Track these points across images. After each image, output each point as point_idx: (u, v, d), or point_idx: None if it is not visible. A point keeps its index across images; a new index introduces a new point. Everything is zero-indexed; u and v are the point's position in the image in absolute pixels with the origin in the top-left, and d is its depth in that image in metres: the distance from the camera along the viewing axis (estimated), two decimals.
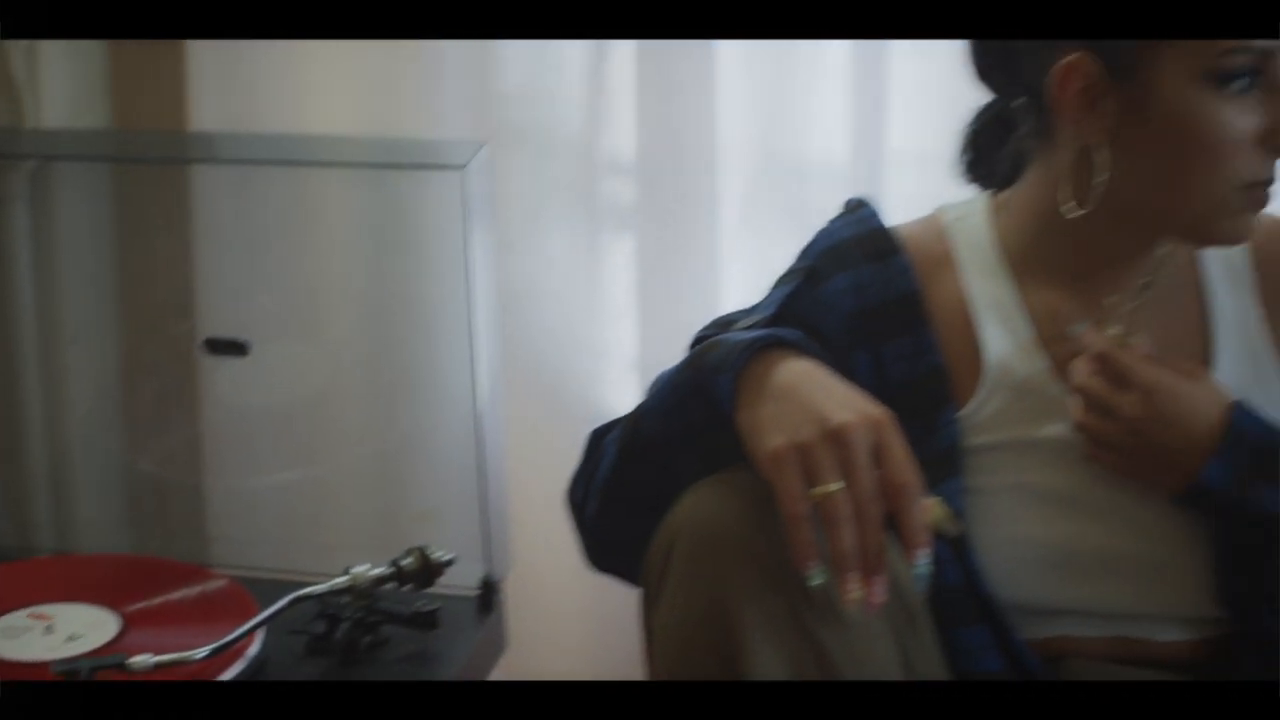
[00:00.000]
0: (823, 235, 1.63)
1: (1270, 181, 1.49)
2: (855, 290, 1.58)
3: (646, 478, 1.49)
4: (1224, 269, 1.61)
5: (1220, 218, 1.50)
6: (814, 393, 1.35)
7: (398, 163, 1.99)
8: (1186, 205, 1.50)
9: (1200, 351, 1.59)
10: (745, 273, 2.19)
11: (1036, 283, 1.59)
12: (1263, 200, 1.50)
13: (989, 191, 1.66)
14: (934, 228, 1.64)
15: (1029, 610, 1.52)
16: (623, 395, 2.21)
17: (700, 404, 1.42)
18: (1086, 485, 1.53)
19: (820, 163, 2.19)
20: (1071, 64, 1.49)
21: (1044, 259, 1.58)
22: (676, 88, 2.16)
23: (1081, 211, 1.51)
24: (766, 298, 1.62)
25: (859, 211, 1.65)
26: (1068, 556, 1.52)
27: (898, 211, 1.68)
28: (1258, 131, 1.46)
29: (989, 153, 1.68)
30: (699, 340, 1.55)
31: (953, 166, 1.70)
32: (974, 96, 1.65)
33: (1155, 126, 1.48)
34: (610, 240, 2.26)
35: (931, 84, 2.05)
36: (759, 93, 2.20)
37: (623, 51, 2.18)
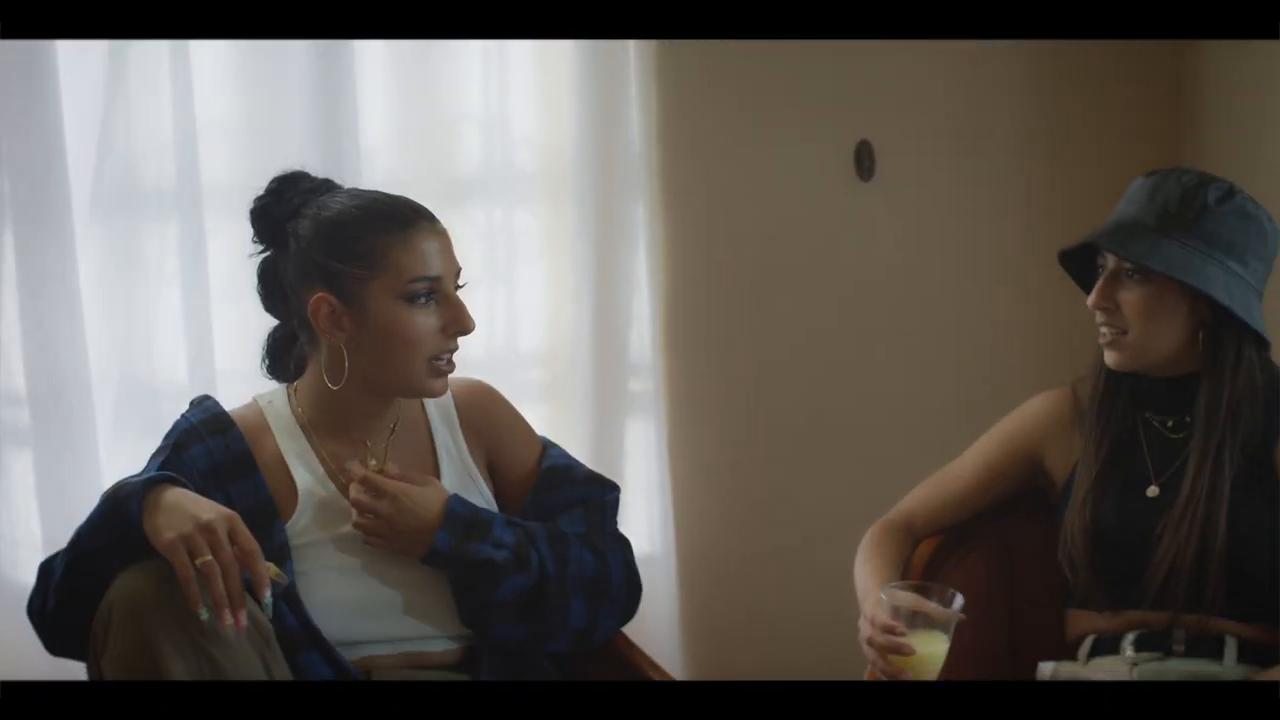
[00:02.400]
0: (181, 421, 2.34)
1: (450, 352, 2.29)
2: (207, 454, 2.27)
3: (88, 576, 2.10)
4: (440, 413, 2.42)
5: (422, 381, 2.28)
6: (188, 505, 2.05)
7: None
8: (398, 376, 2.28)
9: (431, 469, 2.38)
10: (122, 467, 2.76)
11: (323, 436, 2.33)
12: (449, 366, 2.29)
13: (286, 384, 2.40)
14: (255, 409, 2.37)
15: (345, 642, 2.25)
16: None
17: (119, 521, 2.08)
18: (371, 559, 2.29)
19: (167, 382, 2.90)
20: (318, 299, 2.24)
21: (325, 420, 2.33)
22: (51, 336, 2.78)
23: (336, 387, 2.27)
24: (146, 466, 2.28)
25: (204, 403, 2.36)
26: (364, 605, 2.28)
27: (228, 403, 2.39)
28: (438, 325, 2.26)
29: (281, 357, 2.42)
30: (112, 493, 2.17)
31: (261, 369, 2.44)
32: (268, 322, 2.40)
33: (373, 330, 2.24)
34: (12, 460, 2.85)
35: (244, 320, 2.74)
36: (118, 332, 2.87)
37: None
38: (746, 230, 3.46)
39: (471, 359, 2.66)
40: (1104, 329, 2.35)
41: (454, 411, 2.44)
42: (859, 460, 3.54)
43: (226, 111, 2.92)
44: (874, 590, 2.29)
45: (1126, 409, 2.41)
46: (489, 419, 2.47)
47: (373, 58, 3.01)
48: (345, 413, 2.35)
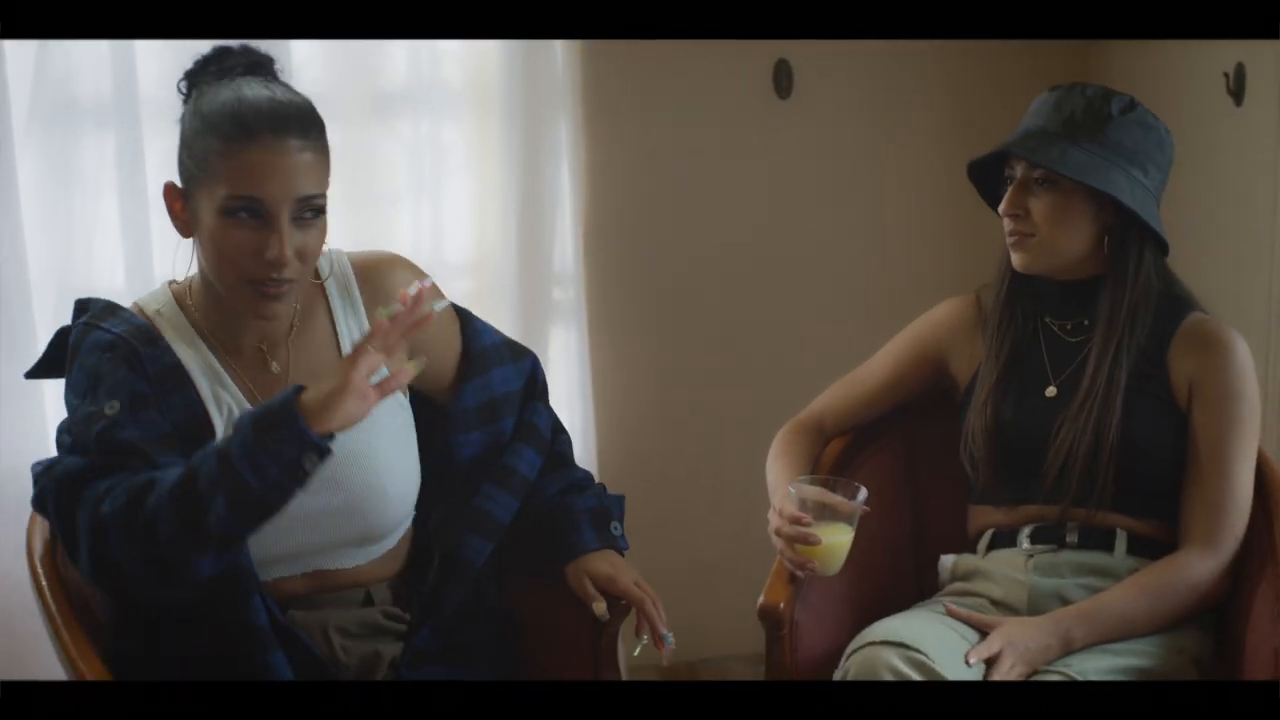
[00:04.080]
0: (99, 333, 2.10)
1: (275, 281, 2.03)
2: (152, 361, 2.08)
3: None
4: (341, 293, 2.22)
5: (245, 300, 2.07)
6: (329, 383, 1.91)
7: None
8: (226, 291, 2.08)
9: (336, 354, 2.17)
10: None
11: (220, 343, 2.14)
12: (275, 291, 2.04)
13: (166, 282, 2.22)
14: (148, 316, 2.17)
15: (258, 562, 2.07)
16: None
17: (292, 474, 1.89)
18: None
19: (106, 289, 2.92)
20: (169, 184, 2.10)
21: (218, 323, 2.15)
22: None
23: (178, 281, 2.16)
24: (82, 390, 2.06)
25: (112, 310, 2.14)
26: (277, 520, 1.97)
27: None
28: (255, 249, 2.02)
29: None
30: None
31: None
32: None
33: (200, 236, 2.07)
34: None
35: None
36: (57, 240, 2.95)
37: None
38: (667, 146, 3.56)
39: None
40: (1012, 234, 2.44)
41: (356, 289, 2.25)
42: (773, 366, 3.65)
43: None
44: (783, 485, 2.38)
45: (1027, 314, 2.50)
46: (394, 292, 2.14)
47: None
48: (236, 313, 2.15)
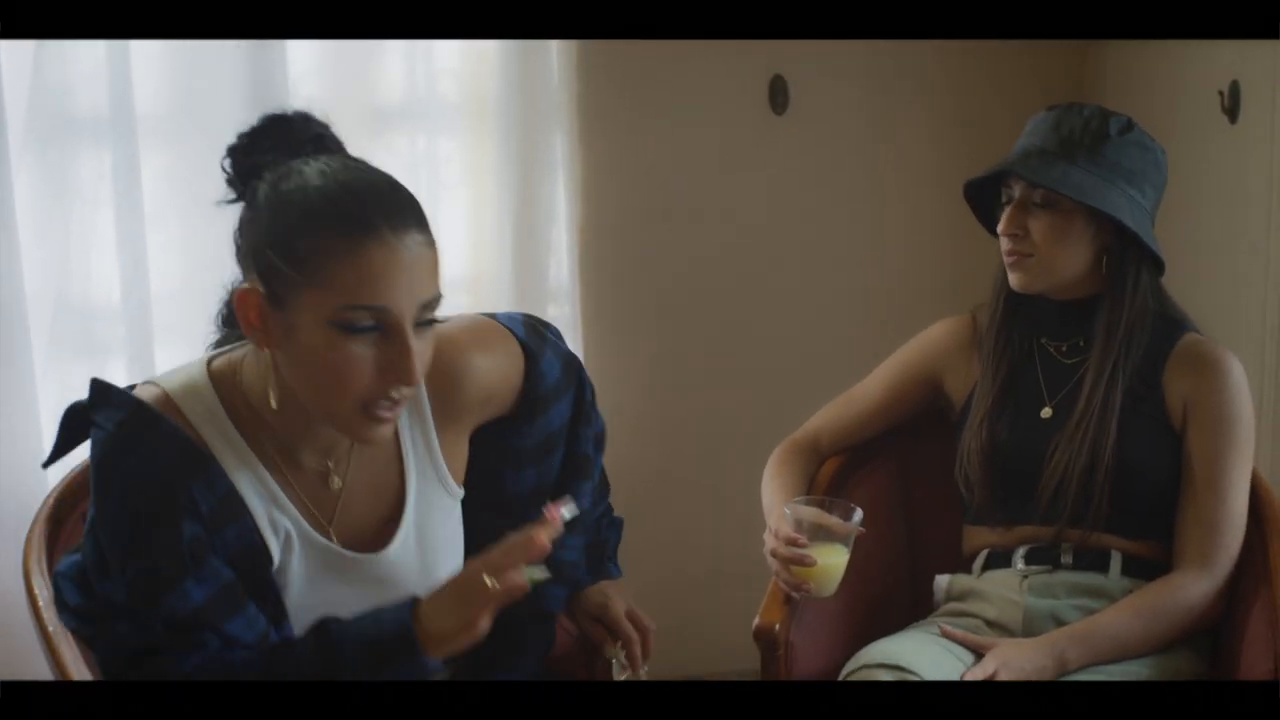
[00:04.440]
0: (128, 453, 1.78)
1: (392, 401, 1.76)
2: (201, 500, 1.79)
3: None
4: (409, 408, 1.91)
5: (351, 425, 1.77)
6: (446, 605, 1.75)
7: None
8: (324, 412, 1.77)
9: (395, 477, 1.93)
10: (56, 385, 2.91)
11: (273, 448, 1.85)
12: (390, 414, 1.77)
13: (207, 359, 1.88)
14: (171, 407, 1.82)
15: None
16: None
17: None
18: (358, 585, 1.89)
19: (102, 304, 2.95)
20: (247, 290, 1.75)
21: (273, 426, 1.84)
22: None
23: (274, 405, 1.80)
24: (129, 534, 1.77)
25: (146, 420, 1.79)
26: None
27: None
28: (375, 365, 1.72)
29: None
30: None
31: (215, 319, 1.96)
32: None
33: (298, 349, 1.74)
34: None
35: (176, 243, 2.87)
36: (53, 255, 2.93)
37: None
38: (663, 161, 3.56)
39: None
40: (1009, 253, 2.43)
41: (423, 393, 1.95)
42: (769, 384, 3.66)
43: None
44: (779, 505, 2.38)
45: (1023, 334, 2.51)
46: (469, 389, 1.98)
47: None
48: (292, 425, 1.85)
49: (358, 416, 1.76)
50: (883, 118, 3.73)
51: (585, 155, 3.43)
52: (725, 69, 3.55)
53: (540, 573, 1.77)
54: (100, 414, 1.80)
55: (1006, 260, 2.45)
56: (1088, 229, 2.40)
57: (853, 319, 3.71)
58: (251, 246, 1.77)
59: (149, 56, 2.93)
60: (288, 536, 1.85)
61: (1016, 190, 2.43)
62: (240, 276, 1.81)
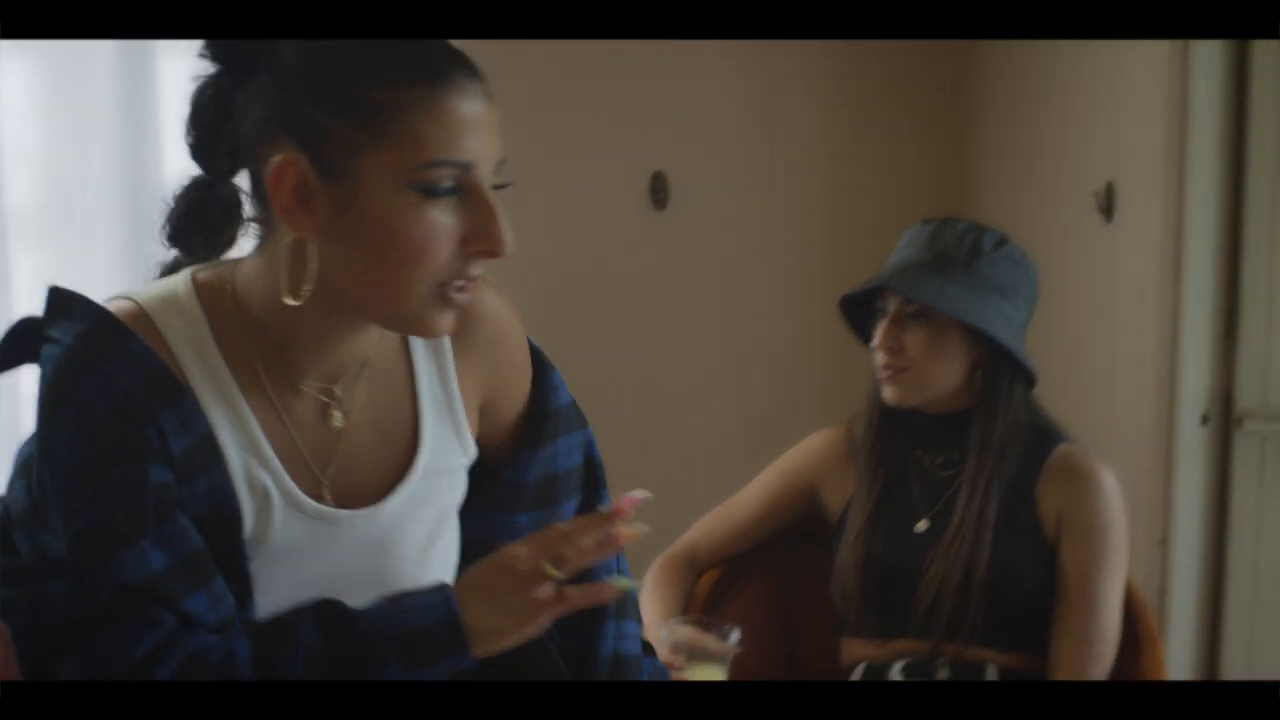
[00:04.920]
0: (95, 377, 1.46)
1: (467, 279, 1.50)
2: (172, 437, 1.48)
3: None
4: (425, 341, 1.65)
5: (422, 312, 1.49)
6: (490, 592, 1.52)
7: None
8: (387, 301, 1.48)
9: (408, 420, 1.64)
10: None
11: (265, 378, 1.55)
12: (464, 296, 1.51)
13: (191, 270, 1.58)
14: (148, 324, 1.52)
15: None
16: None
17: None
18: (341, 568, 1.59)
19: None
20: (284, 162, 1.45)
21: (267, 349, 1.55)
22: None
23: (295, 302, 1.48)
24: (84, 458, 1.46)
25: (116, 334, 1.49)
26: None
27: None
28: (456, 235, 1.47)
29: (199, 224, 1.57)
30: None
31: (160, 233, 1.59)
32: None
33: (359, 224, 1.45)
34: None
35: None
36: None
37: None
38: (543, 255, 3.55)
39: None
40: (884, 367, 2.45)
41: (447, 340, 1.69)
42: (643, 487, 3.64)
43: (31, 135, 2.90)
44: (654, 627, 2.37)
45: (899, 447, 2.52)
46: (495, 339, 1.71)
47: (174, 65, 3.02)
48: (299, 339, 1.56)
49: (432, 300, 1.49)
50: (764, 214, 3.74)
51: None
52: (606, 163, 3.55)
53: (628, 582, 1.61)
54: (57, 327, 1.49)
55: (881, 374, 2.46)
56: (962, 343, 2.41)
57: (731, 423, 3.71)
58: (283, 111, 1.48)
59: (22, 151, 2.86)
60: (265, 496, 1.55)
61: (892, 304, 2.45)
62: (201, 180, 1.56)
